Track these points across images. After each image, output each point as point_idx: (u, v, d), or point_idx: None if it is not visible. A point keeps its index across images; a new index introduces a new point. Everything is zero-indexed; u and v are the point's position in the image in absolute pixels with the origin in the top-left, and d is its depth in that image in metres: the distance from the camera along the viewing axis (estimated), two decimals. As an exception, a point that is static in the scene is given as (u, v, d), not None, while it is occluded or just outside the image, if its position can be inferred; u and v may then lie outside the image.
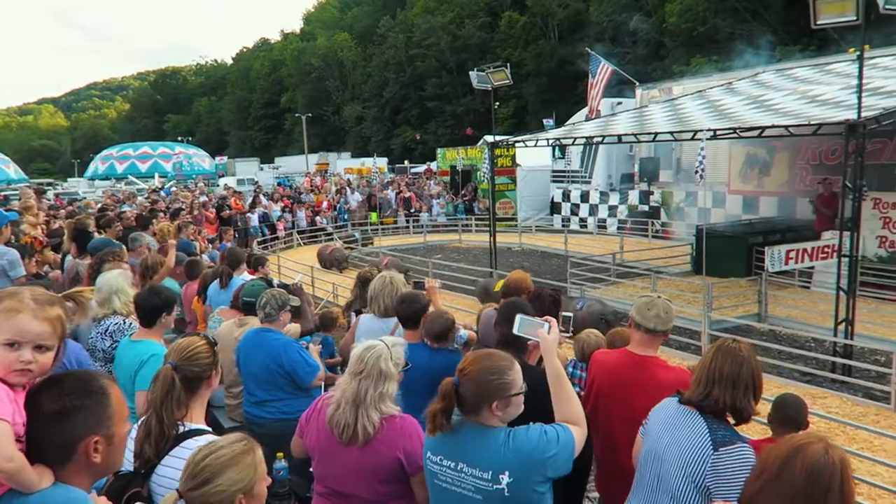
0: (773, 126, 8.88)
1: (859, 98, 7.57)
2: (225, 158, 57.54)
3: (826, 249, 9.42)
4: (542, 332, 2.61)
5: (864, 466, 5.30)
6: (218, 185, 35.70)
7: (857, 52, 7.63)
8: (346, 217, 23.37)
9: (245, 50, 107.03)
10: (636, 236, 18.30)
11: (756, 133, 9.46)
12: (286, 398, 4.03)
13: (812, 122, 8.29)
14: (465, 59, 54.47)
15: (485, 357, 2.40)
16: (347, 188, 25.92)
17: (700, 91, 16.13)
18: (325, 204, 23.84)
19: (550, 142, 13.38)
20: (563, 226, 21.61)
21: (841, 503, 1.71)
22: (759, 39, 29.55)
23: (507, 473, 2.29)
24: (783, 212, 14.76)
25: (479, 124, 50.03)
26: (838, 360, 7.68)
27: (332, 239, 20.21)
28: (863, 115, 7.56)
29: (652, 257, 14.45)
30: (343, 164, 48.67)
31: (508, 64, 14.45)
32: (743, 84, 15.74)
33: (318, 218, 22.70)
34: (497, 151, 21.73)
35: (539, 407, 2.84)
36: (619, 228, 19.47)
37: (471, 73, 14.29)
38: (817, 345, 8.79)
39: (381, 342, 2.76)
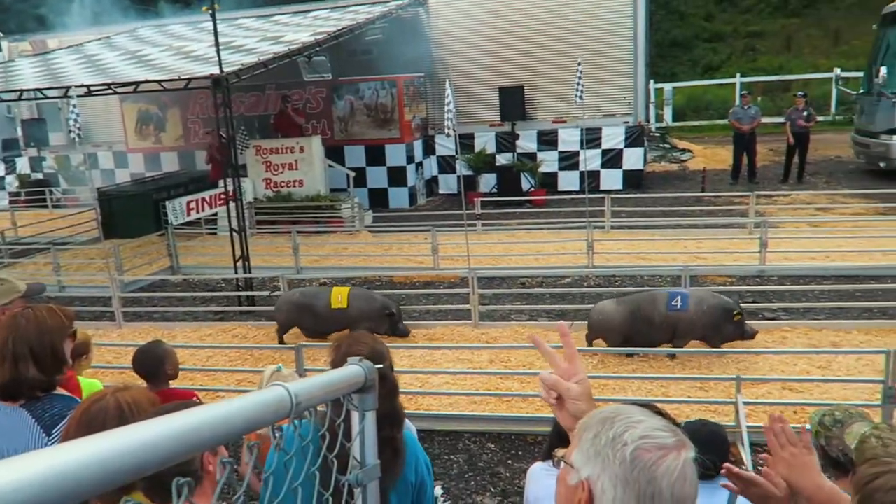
0: (146, 81, 8.95)
1: (218, 54, 8.25)
2: None
3: (222, 196, 10.20)
4: None
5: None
6: None
7: (210, 11, 8.24)
8: None
9: None
10: (35, 208, 16.28)
11: (131, 88, 9.38)
12: None
13: (182, 77, 8.68)
14: None
15: None
16: None
17: (77, 45, 15.06)
18: None
19: None
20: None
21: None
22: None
23: None
24: (184, 165, 15.29)
25: None
26: (242, 293, 8.56)
27: None
28: (225, 70, 8.29)
29: (54, 228, 13.13)
30: None
31: None
32: (121, 39, 15.35)
33: None
34: None
35: None
36: (11, 203, 16.95)
37: None
38: (227, 284, 9.56)
39: None
